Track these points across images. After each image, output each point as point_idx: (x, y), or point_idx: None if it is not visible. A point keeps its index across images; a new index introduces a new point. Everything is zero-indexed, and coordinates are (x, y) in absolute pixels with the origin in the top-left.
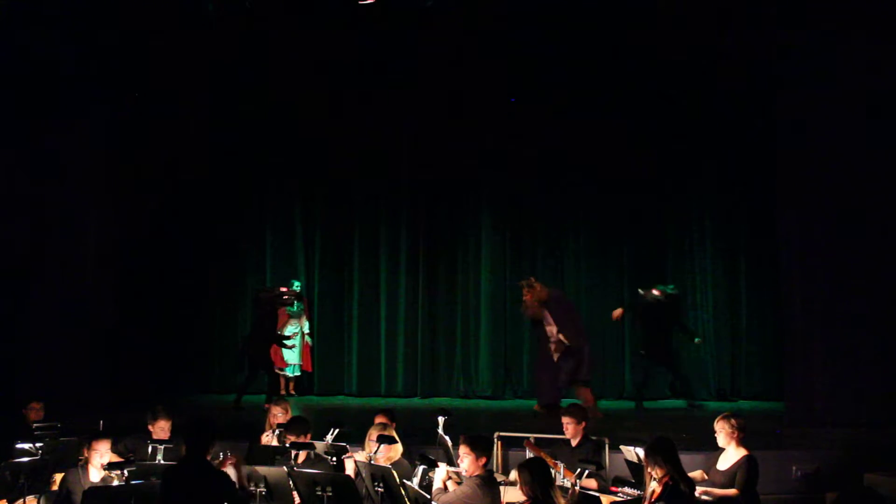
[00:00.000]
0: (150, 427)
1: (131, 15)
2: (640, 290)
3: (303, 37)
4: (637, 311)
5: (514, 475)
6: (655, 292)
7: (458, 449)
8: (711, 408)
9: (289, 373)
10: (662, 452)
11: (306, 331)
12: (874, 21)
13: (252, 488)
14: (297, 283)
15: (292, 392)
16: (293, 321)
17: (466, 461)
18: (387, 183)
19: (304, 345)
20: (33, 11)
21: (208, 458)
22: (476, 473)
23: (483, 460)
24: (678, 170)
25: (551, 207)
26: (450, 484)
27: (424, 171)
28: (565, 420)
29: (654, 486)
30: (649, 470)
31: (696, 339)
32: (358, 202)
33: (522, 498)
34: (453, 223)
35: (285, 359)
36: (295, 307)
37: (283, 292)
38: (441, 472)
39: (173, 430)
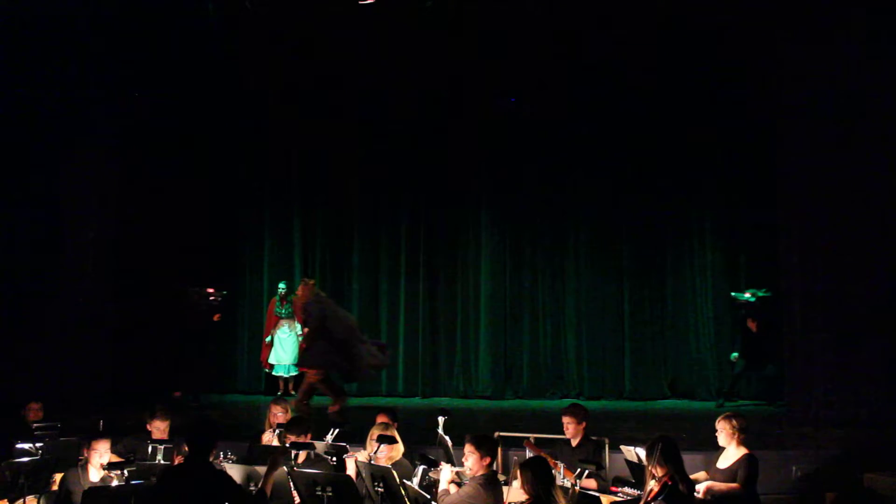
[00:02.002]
0: (148, 427)
1: (132, 16)
2: (731, 294)
3: (302, 37)
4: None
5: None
6: (746, 294)
7: (461, 448)
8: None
9: (283, 373)
10: (664, 451)
11: (298, 332)
12: (870, 26)
13: (252, 488)
14: (282, 285)
15: (291, 392)
16: (284, 322)
17: (471, 460)
18: (387, 182)
19: (299, 345)
20: (34, 12)
21: (211, 459)
22: (480, 473)
23: (487, 460)
24: (679, 170)
25: (551, 207)
26: (451, 487)
27: (424, 171)
28: (566, 420)
29: (652, 485)
30: (650, 468)
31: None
32: (358, 202)
33: (524, 497)
34: (453, 223)
35: (269, 359)
36: (283, 309)
37: (208, 293)
38: (446, 474)
39: (172, 431)
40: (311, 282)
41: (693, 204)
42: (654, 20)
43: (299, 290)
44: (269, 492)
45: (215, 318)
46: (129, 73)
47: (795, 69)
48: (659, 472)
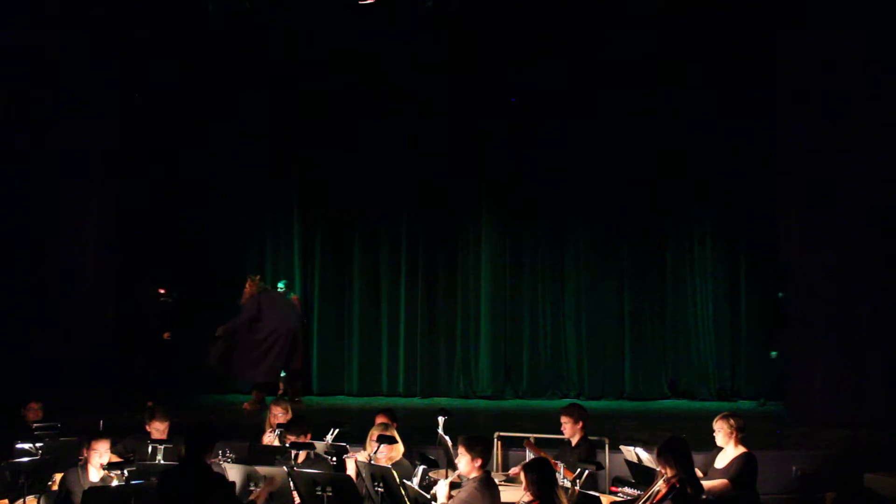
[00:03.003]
0: (147, 428)
1: (132, 16)
2: (780, 294)
3: (303, 37)
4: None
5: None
6: None
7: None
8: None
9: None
10: (674, 452)
11: None
12: (871, 25)
13: (252, 488)
14: (281, 284)
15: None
16: None
17: (462, 461)
18: (387, 182)
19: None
20: (34, 11)
21: (209, 460)
22: (473, 475)
23: (479, 461)
24: (678, 170)
25: (551, 207)
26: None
27: (424, 171)
28: (562, 419)
29: (660, 485)
30: (660, 469)
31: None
32: (358, 202)
33: (519, 498)
34: (453, 223)
35: None
36: None
37: (159, 293)
38: (443, 489)
39: (172, 431)
40: (258, 277)
41: (693, 204)
42: (653, 19)
43: (246, 287)
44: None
45: (165, 336)
46: (129, 72)
47: (796, 69)
48: (668, 472)
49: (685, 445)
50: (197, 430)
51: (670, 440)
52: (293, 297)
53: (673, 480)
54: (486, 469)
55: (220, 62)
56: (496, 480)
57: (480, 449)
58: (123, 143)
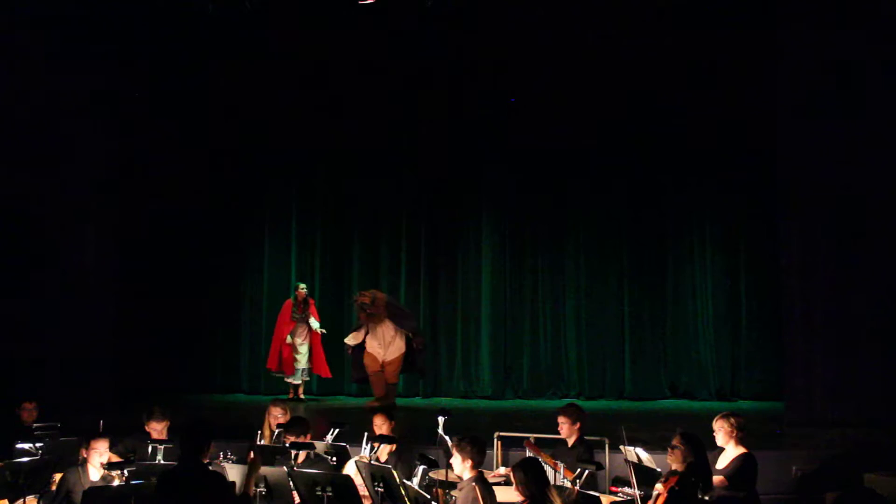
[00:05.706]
0: (146, 428)
1: (132, 15)
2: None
3: (303, 37)
4: None
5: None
6: None
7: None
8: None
9: (295, 379)
10: (690, 442)
11: (317, 328)
12: (871, 24)
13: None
14: (303, 285)
15: (301, 396)
16: (301, 326)
17: (455, 462)
18: (387, 183)
19: (314, 348)
20: (34, 10)
21: (205, 460)
22: (467, 475)
23: (469, 462)
24: (678, 170)
25: (551, 207)
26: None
27: (424, 172)
28: (560, 419)
29: (659, 488)
30: (669, 455)
31: None
32: (358, 202)
33: (514, 498)
34: (453, 223)
35: (296, 365)
36: (300, 314)
37: None
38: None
39: (171, 431)
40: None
41: (693, 204)
42: (652, 20)
43: (371, 307)
44: (251, 492)
45: None
46: (130, 72)
47: (796, 68)
48: (678, 457)
49: (700, 440)
50: (192, 430)
51: (688, 433)
52: (310, 300)
53: (672, 481)
54: (479, 469)
55: (222, 62)
56: (490, 479)
57: (470, 449)
58: (123, 143)
